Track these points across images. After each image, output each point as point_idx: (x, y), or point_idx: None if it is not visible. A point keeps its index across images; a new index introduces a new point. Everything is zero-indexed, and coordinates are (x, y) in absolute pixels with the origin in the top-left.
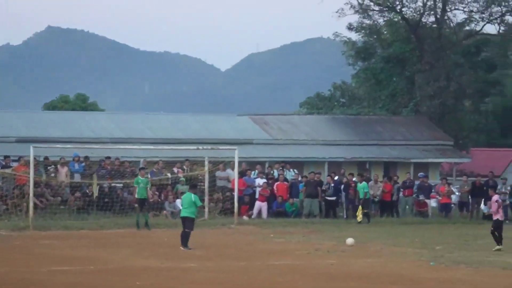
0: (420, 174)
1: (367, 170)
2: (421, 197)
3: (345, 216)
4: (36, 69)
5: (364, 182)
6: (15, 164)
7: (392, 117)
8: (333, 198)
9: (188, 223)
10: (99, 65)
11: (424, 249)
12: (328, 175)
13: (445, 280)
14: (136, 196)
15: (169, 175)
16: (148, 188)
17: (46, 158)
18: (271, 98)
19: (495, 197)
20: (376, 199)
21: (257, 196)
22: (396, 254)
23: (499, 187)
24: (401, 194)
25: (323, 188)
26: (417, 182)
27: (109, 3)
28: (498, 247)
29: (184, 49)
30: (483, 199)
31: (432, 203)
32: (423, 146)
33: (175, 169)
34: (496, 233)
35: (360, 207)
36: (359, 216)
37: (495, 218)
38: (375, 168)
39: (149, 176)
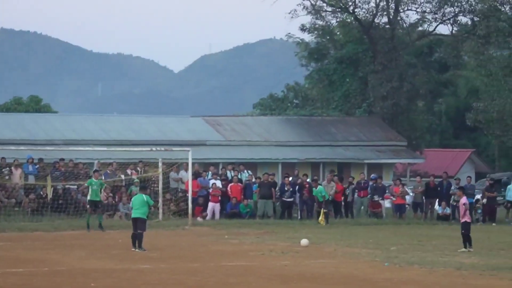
0: (373, 176)
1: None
2: (376, 198)
3: (299, 217)
4: None
5: (319, 187)
6: None
7: (346, 118)
8: (290, 199)
9: (140, 224)
10: (52, 67)
11: (378, 250)
12: (286, 177)
13: (399, 281)
14: (88, 197)
15: (123, 176)
16: (102, 190)
17: (2, 158)
18: (224, 99)
19: (463, 200)
20: (330, 199)
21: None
22: (350, 255)
23: (452, 187)
24: (356, 195)
25: (283, 189)
26: (370, 183)
27: (62, 5)
28: (464, 249)
29: (137, 50)
30: (437, 200)
31: (386, 204)
32: (376, 146)
33: (129, 171)
34: (467, 235)
35: (322, 212)
36: (322, 220)
37: (463, 220)
38: (329, 169)
39: (103, 177)
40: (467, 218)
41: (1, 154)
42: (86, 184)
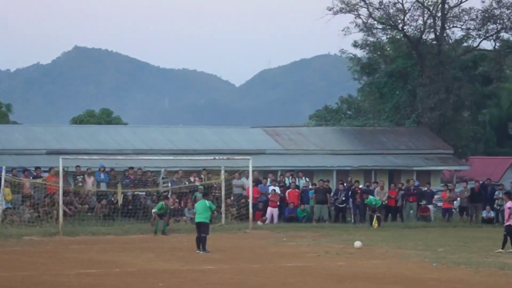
0: (416, 183)
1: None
2: (424, 203)
3: (352, 221)
4: (64, 86)
5: (370, 197)
6: (45, 175)
7: (396, 128)
8: (343, 205)
9: (203, 227)
10: (122, 82)
11: (427, 251)
12: (340, 183)
13: (447, 280)
14: (156, 210)
15: (187, 183)
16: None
17: (77, 167)
18: (281, 111)
19: (509, 204)
20: (383, 204)
21: None
22: (400, 256)
23: (496, 192)
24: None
25: (336, 197)
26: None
27: (131, 25)
28: (501, 250)
29: (201, 66)
30: (483, 204)
31: (432, 208)
32: (425, 154)
33: (192, 178)
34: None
35: (375, 216)
36: (375, 224)
37: (507, 223)
38: (380, 176)
39: (169, 185)
40: (511, 222)
41: (76, 163)
42: (155, 209)
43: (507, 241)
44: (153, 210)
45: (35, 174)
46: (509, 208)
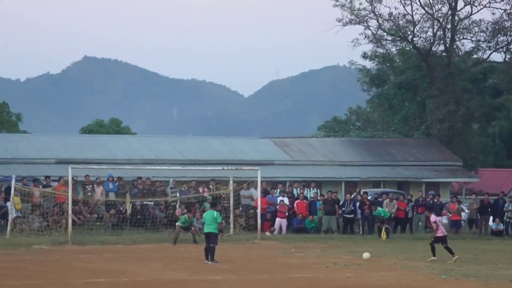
0: (431, 192)
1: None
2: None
3: (361, 232)
4: (73, 96)
5: (378, 208)
6: (55, 184)
7: (405, 140)
8: (351, 216)
9: (212, 238)
10: (131, 92)
11: (436, 263)
12: (348, 193)
13: None
14: (180, 223)
15: (200, 191)
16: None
17: (86, 176)
18: (290, 122)
19: (432, 218)
20: (392, 216)
21: None
22: (409, 267)
23: (506, 205)
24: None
25: (344, 208)
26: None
27: (140, 35)
28: (433, 258)
29: (210, 76)
30: (491, 216)
31: (443, 220)
32: (434, 166)
33: (201, 189)
34: (444, 246)
35: (383, 228)
36: (384, 236)
37: (437, 235)
38: (389, 187)
39: (178, 194)
40: (439, 233)
41: (85, 173)
42: (179, 223)
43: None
44: (177, 224)
45: (44, 183)
46: (434, 222)
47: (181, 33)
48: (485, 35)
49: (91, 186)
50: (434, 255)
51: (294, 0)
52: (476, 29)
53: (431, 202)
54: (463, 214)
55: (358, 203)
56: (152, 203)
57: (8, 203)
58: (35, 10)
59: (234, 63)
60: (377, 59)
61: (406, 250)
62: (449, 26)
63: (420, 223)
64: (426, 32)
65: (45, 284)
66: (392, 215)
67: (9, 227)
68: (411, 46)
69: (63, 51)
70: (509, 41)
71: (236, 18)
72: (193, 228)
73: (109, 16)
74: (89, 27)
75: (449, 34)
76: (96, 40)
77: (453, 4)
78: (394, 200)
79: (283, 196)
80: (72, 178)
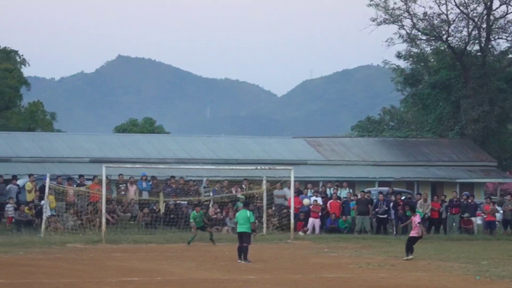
0: (465, 193)
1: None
2: (467, 215)
3: (394, 233)
4: (107, 95)
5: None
6: (89, 183)
7: (439, 140)
8: (384, 216)
9: (245, 237)
10: (165, 91)
11: (470, 264)
12: (380, 194)
13: None
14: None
15: (233, 191)
16: (204, 218)
17: (120, 175)
18: (323, 122)
19: (417, 219)
20: (426, 217)
21: None
22: (443, 268)
23: None
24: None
25: (377, 208)
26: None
27: (174, 34)
28: (409, 257)
29: (243, 76)
30: None
31: (478, 220)
32: (468, 167)
33: (233, 189)
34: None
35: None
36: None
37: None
38: (423, 188)
39: (211, 194)
40: (415, 233)
41: (118, 172)
42: (191, 220)
43: (412, 249)
44: (190, 220)
45: (78, 182)
46: (418, 223)
47: (215, 32)
48: None
49: (124, 185)
50: (410, 254)
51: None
52: None
53: (465, 202)
54: (497, 215)
55: (391, 204)
56: (186, 202)
57: (43, 202)
58: (69, 9)
59: (268, 63)
60: (411, 59)
61: (439, 251)
62: (484, 25)
63: (454, 224)
64: (461, 31)
65: (79, 282)
66: (426, 215)
67: (43, 226)
68: (445, 46)
69: (97, 50)
70: None
71: (270, 17)
72: (208, 227)
73: (143, 16)
74: (123, 26)
75: (484, 34)
76: (130, 39)
77: (489, 3)
78: (428, 201)
79: (316, 196)
80: (106, 177)
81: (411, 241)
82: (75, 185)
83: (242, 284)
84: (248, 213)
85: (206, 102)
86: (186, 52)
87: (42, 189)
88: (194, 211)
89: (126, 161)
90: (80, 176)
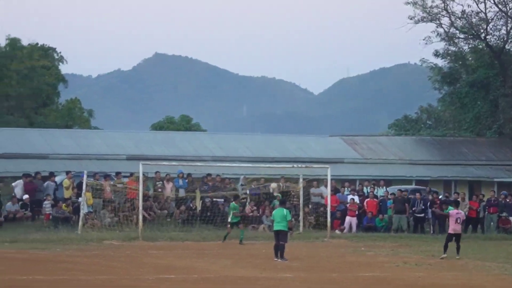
0: (503, 192)
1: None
2: (505, 215)
3: (432, 232)
4: (144, 93)
5: (450, 206)
6: (126, 180)
7: (476, 139)
8: (421, 215)
9: (282, 236)
10: (202, 89)
11: (508, 264)
12: (417, 192)
13: None
14: (229, 219)
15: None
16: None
17: (156, 173)
18: (359, 120)
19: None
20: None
21: None
22: (480, 268)
23: None
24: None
25: (414, 207)
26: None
27: (211, 32)
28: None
29: (280, 74)
30: None
31: None
32: (506, 166)
33: (271, 188)
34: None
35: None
36: None
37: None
38: (460, 187)
39: (248, 192)
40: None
41: (155, 169)
42: (230, 211)
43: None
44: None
45: (115, 179)
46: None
47: (252, 30)
48: None
49: (161, 182)
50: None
51: None
52: None
53: (503, 202)
54: None
55: (428, 203)
56: (222, 200)
57: (80, 199)
58: (107, 7)
59: (305, 61)
60: (449, 57)
61: (477, 250)
62: None
63: (492, 223)
64: (500, 30)
65: (116, 279)
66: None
67: (80, 223)
68: (483, 44)
69: (134, 48)
70: None
71: (307, 15)
72: (241, 225)
73: (180, 13)
74: (160, 24)
75: None
76: (167, 37)
77: None
78: (466, 200)
79: (353, 195)
80: (143, 174)
81: (447, 239)
82: (112, 182)
83: (279, 282)
84: (285, 211)
85: (243, 100)
86: (223, 50)
87: (79, 186)
88: (233, 202)
89: (163, 158)
90: (117, 173)
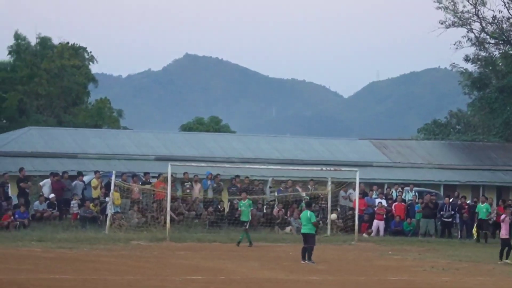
0: None
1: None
2: None
3: (459, 236)
4: (174, 93)
5: (486, 204)
6: (154, 181)
7: (506, 144)
8: (449, 219)
9: (309, 238)
10: (231, 90)
11: None
12: (446, 197)
13: None
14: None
15: (301, 192)
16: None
17: (185, 173)
18: (389, 124)
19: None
20: (490, 221)
21: None
22: (508, 273)
23: None
24: None
25: (442, 212)
26: None
27: (242, 34)
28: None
29: (310, 76)
30: None
31: None
32: None
33: (299, 188)
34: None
35: (475, 226)
36: (475, 234)
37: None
38: (488, 192)
39: (276, 193)
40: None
41: (183, 170)
42: (239, 208)
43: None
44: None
45: (144, 179)
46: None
47: (282, 32)
48: None
49: (189, 183)
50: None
51: (396, 1)
52: None
53: None
54: None
55: (457, 207)
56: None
57: (108, 199)
58: (138, 7)
59: (335, 64)
60: (479, 62)
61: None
62: None
63: None
64: None
65: (143, 279)
66: (491, 220)
67: (108, 223)
68: None
69: (165, 48)
70: None
71: (337, 18)
72: (246, 226)
73: (211, 14)
74: (191, 25)
75: None
76: (198, 38)
77: None
78: (494, 205)
79: (381, 198)
80: (171, 175)
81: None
82: (140, 183)
83: (306, 284)
84: (309, 213)
85: (272, 102)
86: (253, 52)
87: (107, 186)
88: (242, 200)
89: (191, 159)
90: (145, 173)
